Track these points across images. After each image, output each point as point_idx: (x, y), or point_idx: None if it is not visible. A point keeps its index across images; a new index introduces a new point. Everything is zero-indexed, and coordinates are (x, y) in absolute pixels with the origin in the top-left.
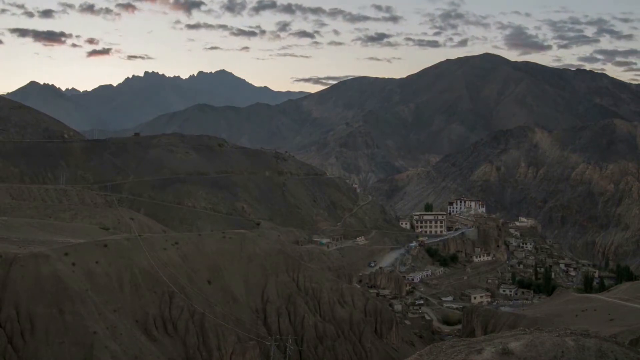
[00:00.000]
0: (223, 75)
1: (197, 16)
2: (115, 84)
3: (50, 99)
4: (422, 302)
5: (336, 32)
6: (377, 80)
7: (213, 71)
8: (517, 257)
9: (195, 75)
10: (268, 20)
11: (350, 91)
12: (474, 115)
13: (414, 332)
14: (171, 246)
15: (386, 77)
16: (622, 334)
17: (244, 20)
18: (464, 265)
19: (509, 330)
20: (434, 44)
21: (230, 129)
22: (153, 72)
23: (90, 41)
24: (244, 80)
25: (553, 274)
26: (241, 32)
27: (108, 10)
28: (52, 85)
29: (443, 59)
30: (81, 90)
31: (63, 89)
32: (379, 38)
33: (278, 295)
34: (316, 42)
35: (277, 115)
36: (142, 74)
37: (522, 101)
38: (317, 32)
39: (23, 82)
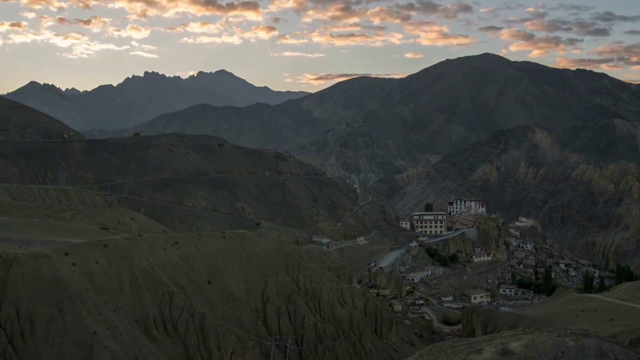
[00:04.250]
0: (223, 75)
1: None
2: (115, 84)
3: (50, 99)
4: (422, 302)
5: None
6: (377, 80)
7: (213, 71)
8: (517, 257)
9: (195, 75)
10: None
11: (350, 91)
12: (474, 115)
13: (414, 332)
14: (171, 246)
15: (386, 76)
16: (622, 334)
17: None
18: (464, 265)
19: (509, 330)
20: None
21: (230, 129)
22: (153, 72)
23: None
24: (244, 80)
25: (553, 274)
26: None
27: None
28: (52, 85)
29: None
30: (81, 90)
31: (63, 89)
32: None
33: (278, 295)
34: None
35: (277, 115)
36: (142, 74)
37: (522, 101)
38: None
39: (23, 82)
